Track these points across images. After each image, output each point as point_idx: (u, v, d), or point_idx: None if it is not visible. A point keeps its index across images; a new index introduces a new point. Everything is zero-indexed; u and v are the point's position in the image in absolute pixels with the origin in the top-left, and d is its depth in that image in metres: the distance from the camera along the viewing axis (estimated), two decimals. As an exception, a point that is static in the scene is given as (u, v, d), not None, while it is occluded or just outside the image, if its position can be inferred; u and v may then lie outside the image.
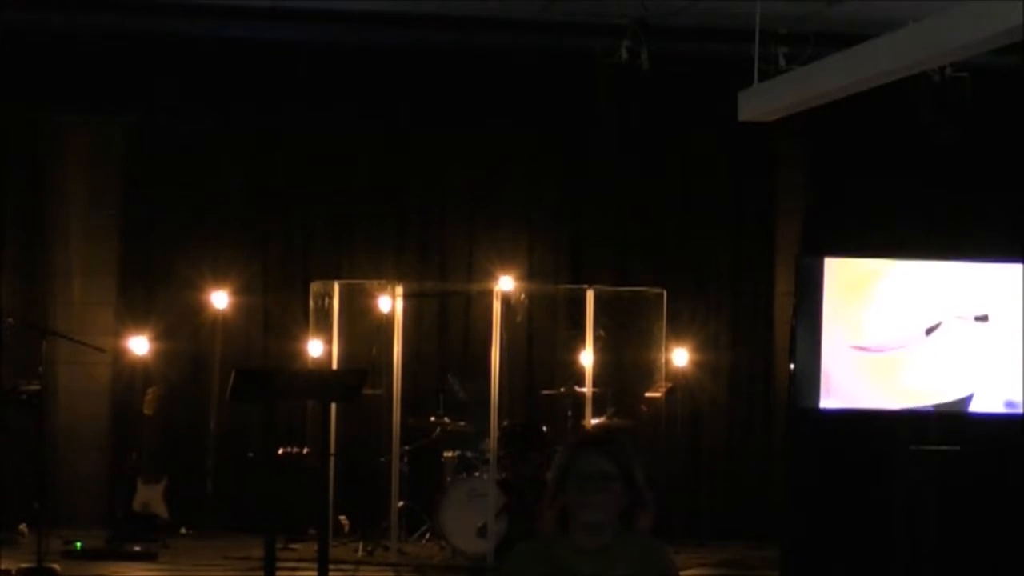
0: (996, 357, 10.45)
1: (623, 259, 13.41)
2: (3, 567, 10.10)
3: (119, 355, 12.77)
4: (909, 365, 10.49)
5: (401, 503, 11.65)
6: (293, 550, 11.34)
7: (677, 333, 12.76)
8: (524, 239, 13.31)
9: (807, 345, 10.52)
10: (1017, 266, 10.49)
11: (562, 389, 12.19)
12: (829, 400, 10.47)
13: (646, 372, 12.64)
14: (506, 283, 12.17)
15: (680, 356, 12.79)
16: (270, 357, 12.71)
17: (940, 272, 10.56)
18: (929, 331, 10.48)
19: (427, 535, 11.89)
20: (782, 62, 9.52)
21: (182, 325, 12.89)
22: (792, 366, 10.76)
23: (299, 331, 12.47)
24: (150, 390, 12.19)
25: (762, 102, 9.10)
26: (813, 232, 13.30)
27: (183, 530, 12.30)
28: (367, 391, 10.49)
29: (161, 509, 11.95)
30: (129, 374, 12.81)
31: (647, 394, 12.54)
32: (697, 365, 13.04)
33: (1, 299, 12.33)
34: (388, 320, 11.93)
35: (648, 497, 3.93)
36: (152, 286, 13.02)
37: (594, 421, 11.93)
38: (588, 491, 3.87)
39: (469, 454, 11.73)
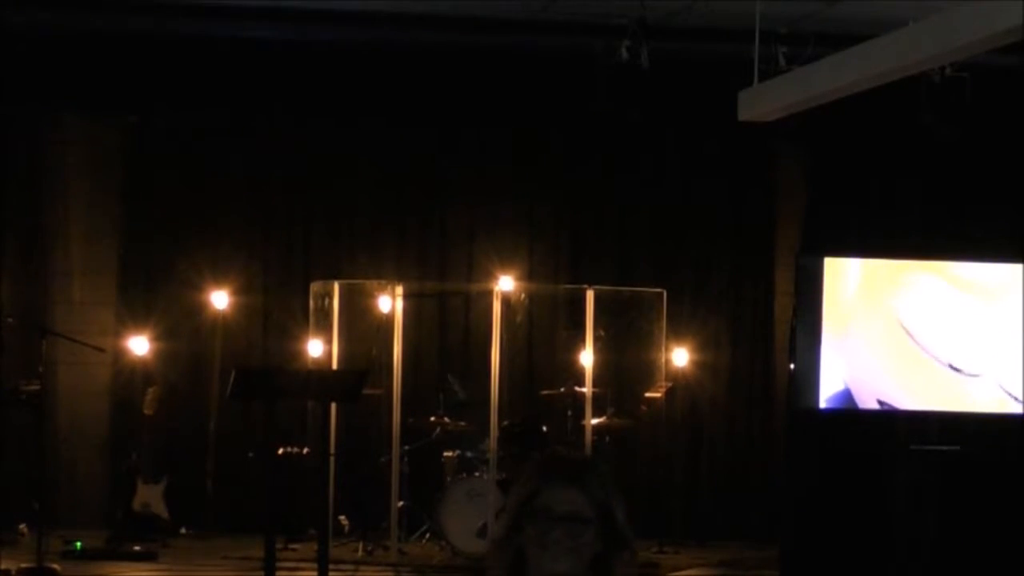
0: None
1: (623, 259, 13.41)
2: (3, 567, 10.09)
3: (119, 355, 12.76)
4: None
5: (401, 503, 11.65)
6: (293, 550, 11.34)
7: (677, 333, 12.75)
8: (524, 239, 13.30)
9: (807, 345, 10.52)
10: (1017, 266, 10.49)
11: (562, 389, 12.18)
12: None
13: (646, 372, 12.63)
14: (506, 283, 12.16)
15: (680, 356, 12.78)
16: (270, 357, 12.70)
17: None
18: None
19: (427, 535, 11.88)
20: (782, 62, 9.53)
21: (182, 325, 12.88)
22: (792, 366, 10.76)
23: (299, 331, 12.46)
24: (150, 390, 12.18)
25: (762, 102, 9.11)
26: (813, 232, 13.29)
27: (183, 530, 12.28)
28: (367, 391, 10.49)
29: (161, 509, 11.95)
30: (129, 374, 12.80)
31: (647, 394, 12.53)
32: (697, 365, 13.02)
33: (1, 299, 12.33)
34: (388, 320, 11.92)
35: (630, 540, 3.16)
36: (152, 286, 13.01)
37: (594, 421, 11.93)
38: (554, 535, 3.09)
39: (469, 454, 11.72)
